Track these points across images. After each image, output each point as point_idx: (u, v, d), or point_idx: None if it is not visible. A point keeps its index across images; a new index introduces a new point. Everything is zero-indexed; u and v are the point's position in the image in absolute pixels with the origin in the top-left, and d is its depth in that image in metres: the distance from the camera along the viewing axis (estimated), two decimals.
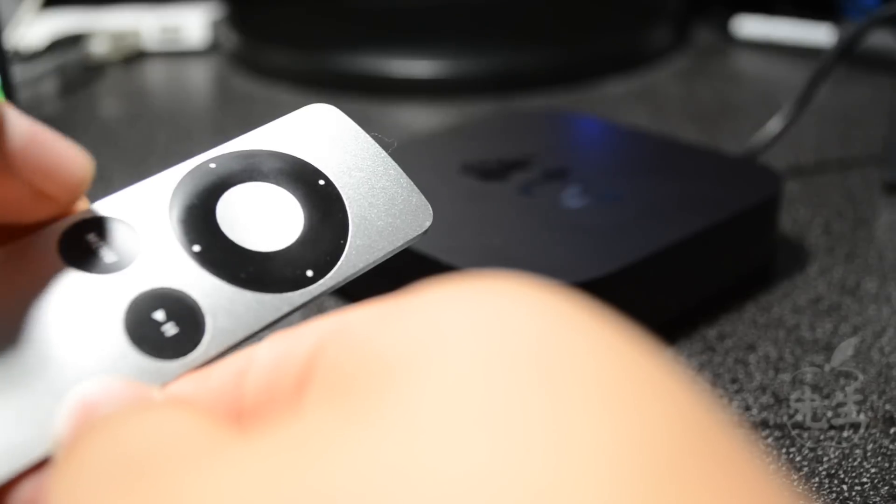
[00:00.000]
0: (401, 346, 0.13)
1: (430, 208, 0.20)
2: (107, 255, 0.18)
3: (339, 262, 0.19)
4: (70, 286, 0.17)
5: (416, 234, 0.20)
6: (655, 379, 0.12)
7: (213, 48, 0.70)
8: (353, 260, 0.19)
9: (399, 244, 0.20)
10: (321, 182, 0.20)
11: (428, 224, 0.20)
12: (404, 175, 0.21)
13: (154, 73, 0.67)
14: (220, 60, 0.68)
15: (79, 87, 0.64)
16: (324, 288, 0.19)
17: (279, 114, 0.21)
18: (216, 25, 0.70)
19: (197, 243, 0.18)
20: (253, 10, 0.70)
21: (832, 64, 0.46)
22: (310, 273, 0.19)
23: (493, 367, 0.12)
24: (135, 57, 0.69)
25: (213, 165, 0.19)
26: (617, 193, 0.37)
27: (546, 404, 0.11)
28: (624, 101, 0.59)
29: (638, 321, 0.37)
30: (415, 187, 0.21)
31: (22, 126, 0.17)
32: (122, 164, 0.51)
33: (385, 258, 0.20)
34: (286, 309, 0.18)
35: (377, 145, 0.21)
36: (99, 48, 0.67)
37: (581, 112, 0.55)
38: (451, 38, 0.65)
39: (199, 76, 0.67)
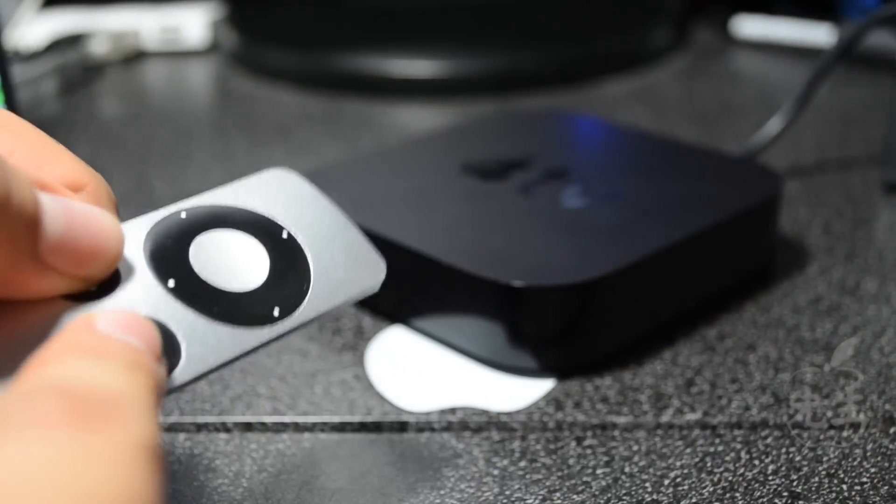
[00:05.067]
0: None
1: (384, 264, 0.23)
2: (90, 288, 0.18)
3: (302, 305, 0.21)
4: (59, 315, 0.18)
5: (370, 287, 0.22)
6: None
7: (213, 48, 0.70)
8: (316, 304, 0.21)
9: (354, 296, 0.22)
10: (284, 236, 0.22)
11: (381, 279, 0.22)
12: (360, 233, 0.23)
13: (154, 73, 0.67)
14: (220, 60, 0.68)
15: (79, 87, 0.64)
16: (290, 327, 0.20)
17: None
18: (216, 25, 0.70)
19: (171, 278, 0.19)
20: (253, 10, 0.70)
21: (832, 64, 0.46)
22: (276, 312, 0.20)
23: None
24: (135, 57, 0.69)
25: (183, 215, 0.21)
26: (617, 193, 0.37)
27: None
28: (624, 101, 0.59)
29: (638, 321, 0.37)
30: (370, 245, 0.23)
31: (57, 216, 0.16)
32: (122, 164, 0.51)
33: (342, 307, 0.22)
34: (255, 343, 0.20)
35: (334, 206, 0.23)
36: (99, 48, 0.67)
37: (581, 112, 0.55)
38: (451, 38, 0.65)
39: (199, 76, 0.67)
